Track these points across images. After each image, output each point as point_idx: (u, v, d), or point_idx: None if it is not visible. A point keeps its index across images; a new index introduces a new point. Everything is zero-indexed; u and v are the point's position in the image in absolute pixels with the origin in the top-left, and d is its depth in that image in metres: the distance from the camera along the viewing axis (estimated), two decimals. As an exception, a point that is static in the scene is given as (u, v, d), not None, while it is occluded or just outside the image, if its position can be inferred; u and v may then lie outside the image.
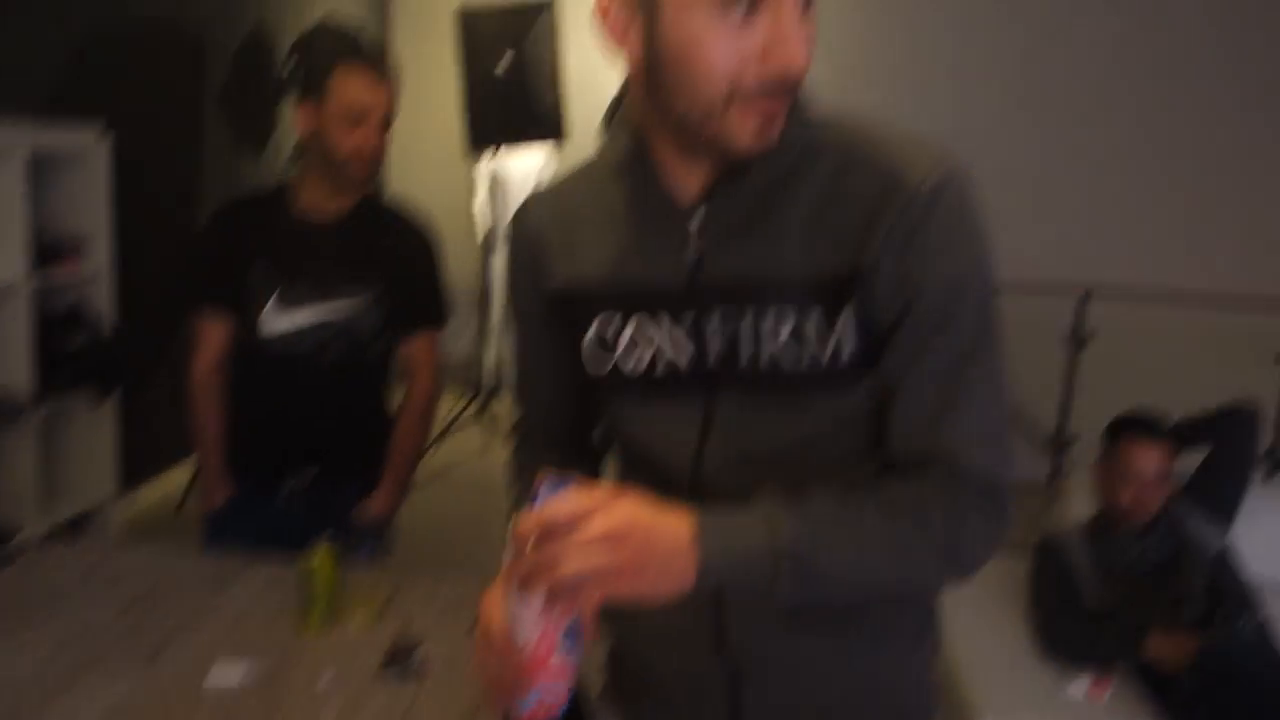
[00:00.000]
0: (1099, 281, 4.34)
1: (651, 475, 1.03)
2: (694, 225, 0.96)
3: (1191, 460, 2.62)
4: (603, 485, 0.87)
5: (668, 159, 0.96)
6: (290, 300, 2.05)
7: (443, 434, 4.71)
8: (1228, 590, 2.40)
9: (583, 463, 1.19)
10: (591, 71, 5.20)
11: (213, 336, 2.14)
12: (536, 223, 1.08)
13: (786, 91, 0.87)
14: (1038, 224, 4.91)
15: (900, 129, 0.96)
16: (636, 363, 1.01)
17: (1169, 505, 2.49)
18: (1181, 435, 2.57)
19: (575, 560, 0.81)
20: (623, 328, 1.01)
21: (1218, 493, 2.56)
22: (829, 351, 0.93)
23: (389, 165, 6.25)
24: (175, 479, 4.04)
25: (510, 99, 4.50)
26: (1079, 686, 2.31)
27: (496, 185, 5.18)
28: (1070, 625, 2.42)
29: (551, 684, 0.85)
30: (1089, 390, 4.24)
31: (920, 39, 5.28)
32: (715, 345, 0.97)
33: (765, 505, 0.89)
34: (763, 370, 0.95)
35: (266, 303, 2.05)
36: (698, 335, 0.97)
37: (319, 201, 2.07)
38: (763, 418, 0.97)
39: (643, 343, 1.00)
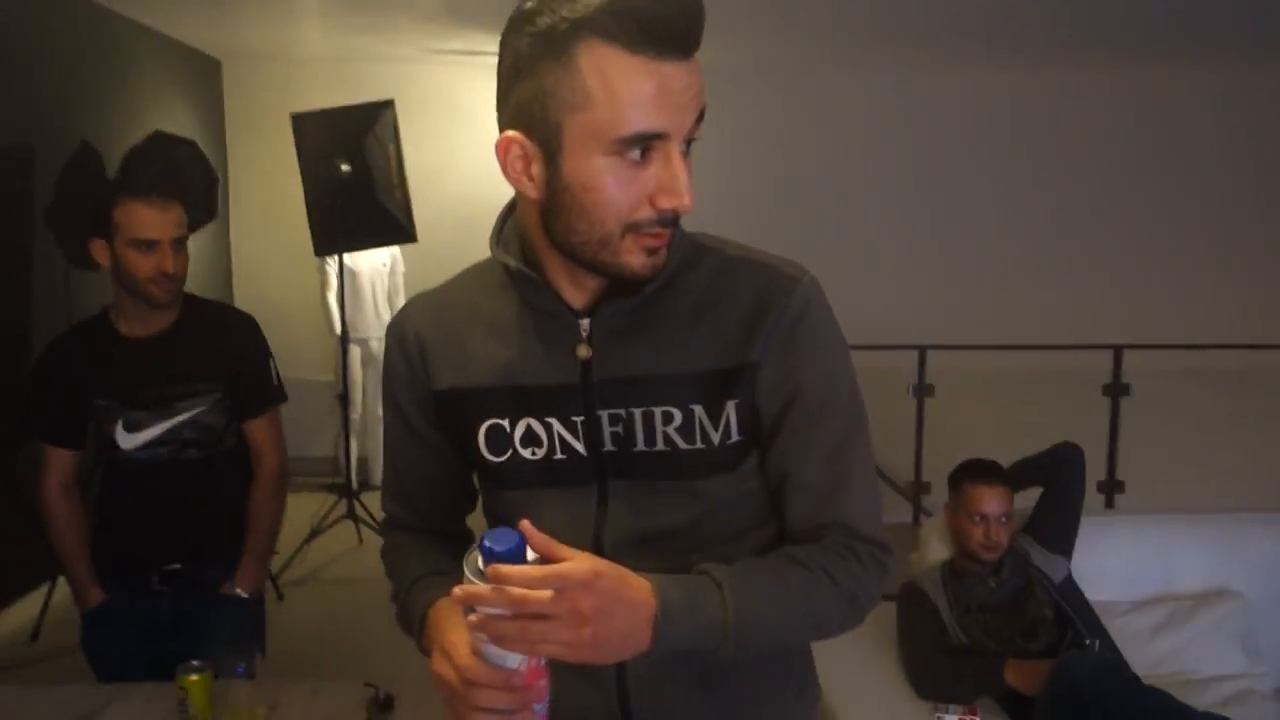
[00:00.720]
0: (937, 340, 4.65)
1: None
2: (584, 331, 1.05)
3: (1030, 498, 2.82)
4: (562, 548, 0.91)
5: (557, 273, 1.06)
6: (139, 418, 2.15)
7: (313, 534, 4.59)
8: (1075, 615, 2.59)
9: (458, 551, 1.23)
10: (435, 168, 5.21)
11: (60, 461, 2.23)
12: (418, 327, 1.14)
13: (674, 223, 0.99)
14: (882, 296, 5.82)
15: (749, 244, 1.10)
16: (533, 451, 1.08)
17: (1014, 542, 2.67)
18: (1018, 476, 2.77)
19: (553, 636, 0.88)
20: (513, 428, 1.09)
21: (1056, 526, 2.76)
22: (716, 436, 1.04)
23: (239, 263, 6.15)
24: (26, 610, 3.82)
25: (354, 202, 4.42)
26: (950, 719, 2.43)
27: (346, 277, 5.15)
28: (936, 662, 2.55)
29: (543, 704, 0.95)
30: (937, 439, 4.51)
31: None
32: (609, 437, 1.05)
33: (712, 577, 0.99)
34: (656, 454, 1.04)
35: (116, 426, 2.14)
36: (590, 431, 1.06)
37: (138, 323, 2.17)
38: (657, 500, 1.06)
39: (535, 438, 1.08)
